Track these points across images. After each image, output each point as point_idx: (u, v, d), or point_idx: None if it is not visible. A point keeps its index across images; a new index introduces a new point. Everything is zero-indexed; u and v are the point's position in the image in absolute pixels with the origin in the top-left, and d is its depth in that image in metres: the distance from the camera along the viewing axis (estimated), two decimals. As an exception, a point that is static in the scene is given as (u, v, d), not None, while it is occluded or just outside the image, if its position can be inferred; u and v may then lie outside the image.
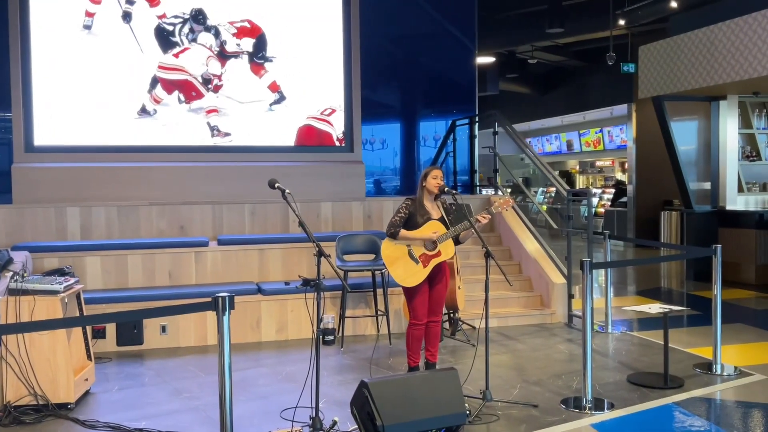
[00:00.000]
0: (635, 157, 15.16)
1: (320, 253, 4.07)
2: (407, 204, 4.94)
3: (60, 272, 5.82)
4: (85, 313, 5.14)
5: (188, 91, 8.02)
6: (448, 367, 4.31)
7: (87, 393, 4.97)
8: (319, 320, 4.07)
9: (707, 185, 10.66)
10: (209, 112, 8.09)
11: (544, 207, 16.01)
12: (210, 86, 8.08)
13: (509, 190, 15.20)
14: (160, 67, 7.92)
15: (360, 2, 8.56)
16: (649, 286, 10.08)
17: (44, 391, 4.56)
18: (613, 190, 17.30)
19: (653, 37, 11.24)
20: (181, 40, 7.97)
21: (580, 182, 21.25)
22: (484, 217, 4.75)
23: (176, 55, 7.97)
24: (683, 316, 7.68)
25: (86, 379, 4.94)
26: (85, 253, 6.75)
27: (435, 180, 4.91)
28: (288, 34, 8.33)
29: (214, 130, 8.09)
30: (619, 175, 19.11)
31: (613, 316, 7.15)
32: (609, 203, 16.74)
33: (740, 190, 10.49)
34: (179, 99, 8.01)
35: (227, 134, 8.15)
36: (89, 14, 7.73)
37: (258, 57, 8.19)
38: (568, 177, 20.30)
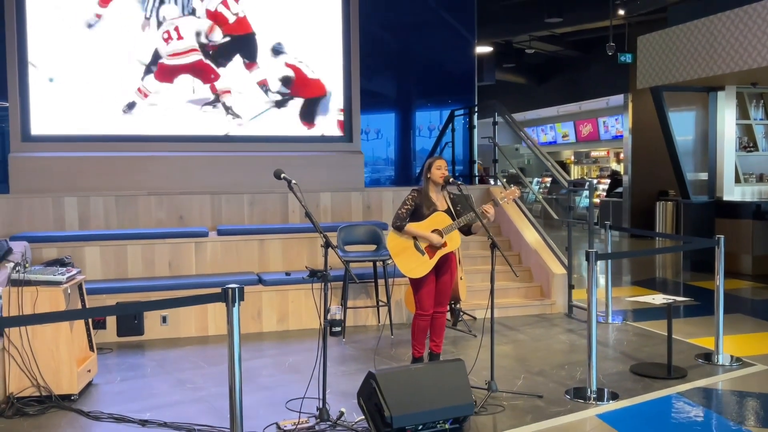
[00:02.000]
0: (631, 148, 15.18)
1: (327, 244, 4.05)
2: (413, 196, 4.90)
3: (60, 262, 5.78)
4: (87, 304, 5.10)
5: (206, 74, 7.96)
6: (455, 358, 4.30)
7: (90, 384, 4.94)
8: (326, 311, 4.05)
9: (704, 176, 10.70)
10: (223, 93, 8.04)
11: (541, 197, 16.03)
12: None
13: (505, 180, 15.19)
14: (170, 55, 7.85)
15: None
16: (645, 276, 10.11)
17: (47, 383, 4.54)
18: (608, 181, 17.35)
19: (651, 28, 11.22)
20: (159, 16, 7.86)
21: (576, 172, 21.30)
22: (490, 208, 4.73)
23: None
24: (683, 306, 7.71)
25: (89, 371, 4.91)
26: (84, 243, 6.70)
27: (439, 171, 4.88)
28: (286, 22, 8.27)
29: (228, 110, 8.08)
30: (614, 166, 19.16)
31: (613, 306, 7.16)
32: (604, 194, 16.78)
33: (737, 180, 10.53)
34: (179, 87, 7.94)
35: (238, 116, 8.15)
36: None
37: (248, 55, 8.15)
38: (563, 167, 20.34)
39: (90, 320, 5.20)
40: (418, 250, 4.82)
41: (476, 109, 10.27)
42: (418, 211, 4.88)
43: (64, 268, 4.80)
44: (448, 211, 4.89)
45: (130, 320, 6.24)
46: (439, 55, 10.48)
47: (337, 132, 8.50)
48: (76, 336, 4.80)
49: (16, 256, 5.81)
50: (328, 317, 4.17)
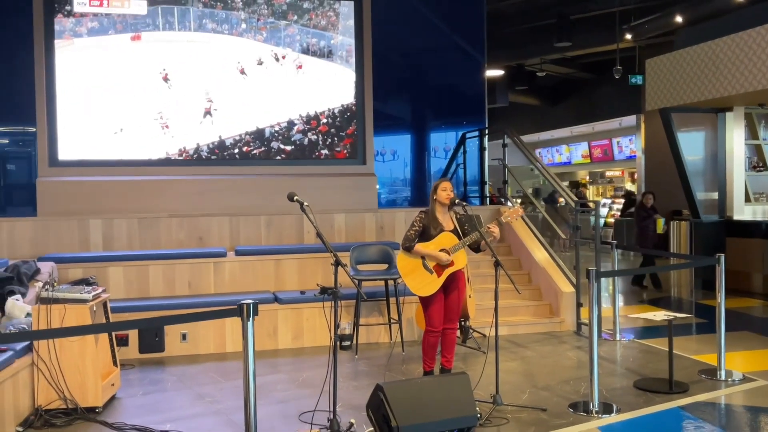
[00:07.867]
0: (644, 168, 15.29)
1: (337, 263, 4.27)
2: (421, 217, 5.13)
3: (85, 282, 6.06)
4: (111, 321, 5.35)
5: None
6: (459, 372, 4.49)
7: (113, 398, 5.19)
8: (337, 326, 4.26)
9: (715, 195, 10.81)
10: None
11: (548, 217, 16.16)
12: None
13: (519, 201, 15.37)
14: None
15: (372, 17, 8.81)
16: (659, 295, 10.20)
17: (73, 396, 4.78)
18: (623, 201, 17.43)
19: (660, 50, 11.42)
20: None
21: (591, 192, 21.37)
22: (495, 227, 4.94)
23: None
24: (691, 324, 7.81)
25: (112, 384, 5.15)
26: (107, 263, 6.98)
27: (445, 192, 5.11)
28: (300, 47, 8.58)
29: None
30: (629, 185, 19.24)
31: (622, 324, 7.29)
32: (619, 213, 16.86)
33: (747, 200, 10.62)
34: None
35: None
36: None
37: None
38: (578, 187, 20.44)
39: (114, 337, 5.46)
40: (426, 269, 5.03)
41: (486, 132, 10.49)
42: (426, 232, 5.10)
43: (90, 287, 5.06)
44: (454, 231, 5.10)
45: (152, 337, 6.48)
46: (450, 79, 10.74)
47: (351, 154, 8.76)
48: (101, 351, 5.05)
49: (44, 276, 6.11)
50: (338, 332, 4.38)
